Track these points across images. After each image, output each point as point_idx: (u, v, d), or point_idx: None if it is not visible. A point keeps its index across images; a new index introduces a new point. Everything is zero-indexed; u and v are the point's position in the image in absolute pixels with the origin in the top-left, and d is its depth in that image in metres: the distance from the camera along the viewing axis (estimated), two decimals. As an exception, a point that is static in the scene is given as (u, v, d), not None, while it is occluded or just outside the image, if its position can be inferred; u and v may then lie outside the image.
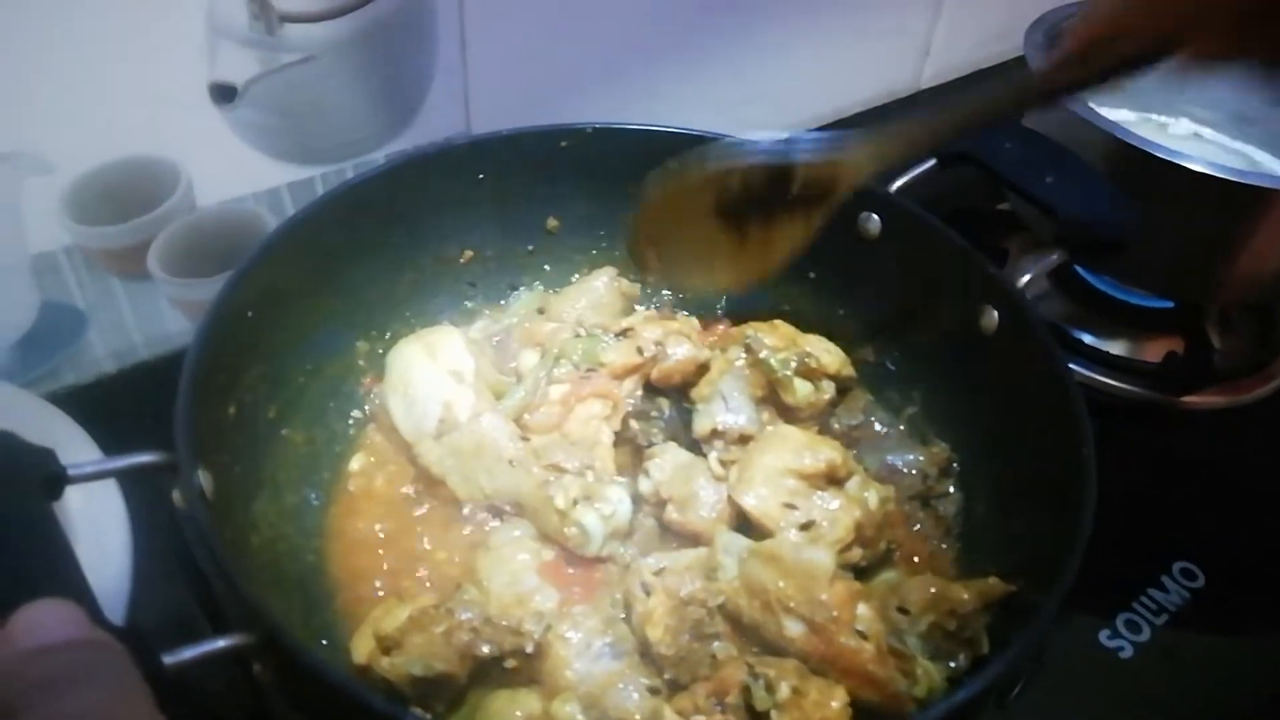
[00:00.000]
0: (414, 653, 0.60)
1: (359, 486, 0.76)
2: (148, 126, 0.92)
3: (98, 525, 0.72)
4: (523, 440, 0.72)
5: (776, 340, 0.78)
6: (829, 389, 0.78)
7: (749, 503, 0.69)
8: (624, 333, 0.78)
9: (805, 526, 0.67)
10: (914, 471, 0.75)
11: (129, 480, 0.73)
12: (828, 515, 0.68)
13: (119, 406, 0.87)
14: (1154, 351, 1.00)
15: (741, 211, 0.67)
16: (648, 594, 0.64)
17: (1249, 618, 0.84)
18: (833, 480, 0.71)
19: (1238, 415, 0.98)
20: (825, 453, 0.71)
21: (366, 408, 0.80)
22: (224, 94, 0.97)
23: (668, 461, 0.71)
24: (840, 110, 1.39)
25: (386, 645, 0.61)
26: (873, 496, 0.71)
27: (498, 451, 0.70)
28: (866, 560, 0.69)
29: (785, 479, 0.70)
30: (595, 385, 0.74)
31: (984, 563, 0.71)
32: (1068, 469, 0.63)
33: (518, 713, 0.60)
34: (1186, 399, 0.97)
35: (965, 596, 0.64)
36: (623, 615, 0.66)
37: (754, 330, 0.79)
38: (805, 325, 0.84)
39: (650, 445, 0.73)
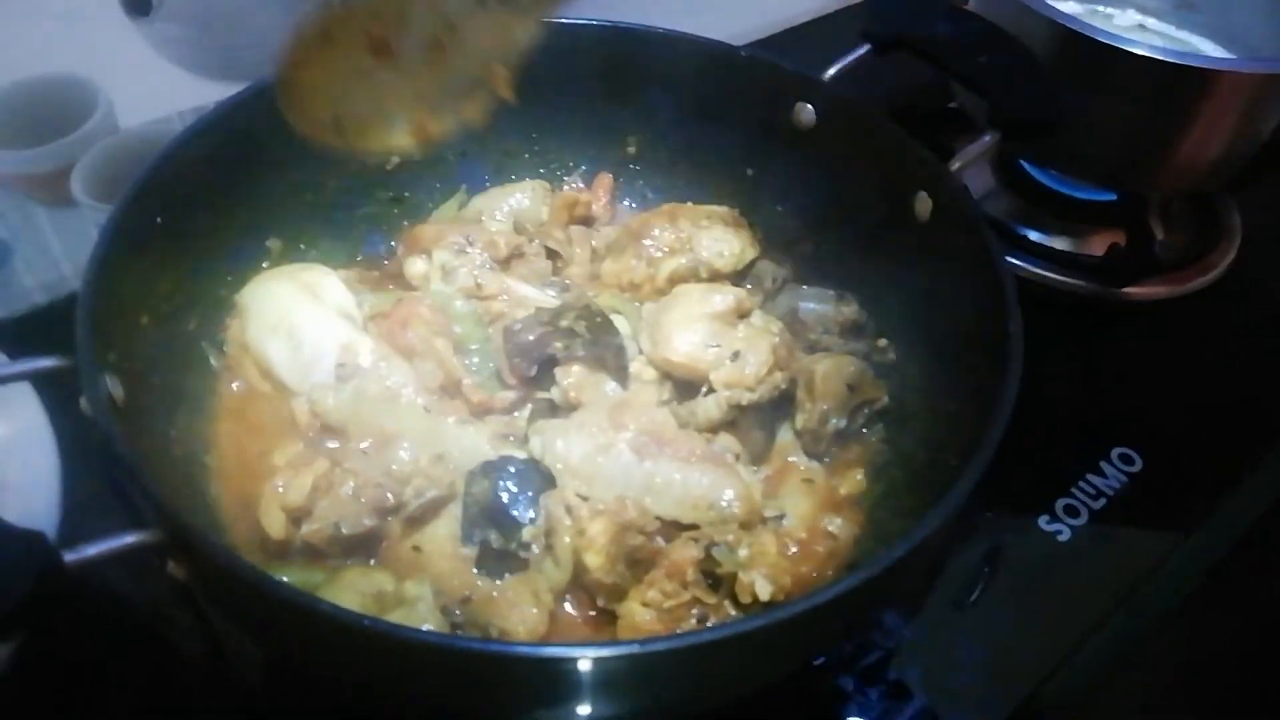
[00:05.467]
0: (330, 515, 0.61)
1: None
2: (59, 44, 0.88)
3: (22, 433, 0.70)
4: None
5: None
6: None
7: (674, 355, 0.72)
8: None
9: (735, 357, 0.70)
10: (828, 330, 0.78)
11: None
12: (749, 344, 0.71)
13: (51, 338, 0.85)
14: (1098, 245, 0.99)
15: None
16: (570, 515, 0.63)
17: (1182, 501, 0.84)
18: (741, 315, 0.74)
19: (1178, 305, 0.98)
20: (728, 290, 0.76)
21: (225, 349, 0.73)
22: (138, 6, 0.93)
23: (575, 370, 0.71)
24: (789, 20, 1.36)
25: (297, 516, 0.62)
26: (774, 324, 0.76)
27: (409, 398, 0.69)
28: (786, 382, 0.73)
29: (698, 324, 0.73)
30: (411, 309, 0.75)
31: (915, 444, 0.72)
32: (996, 346, 0.62)
33: (369, 589, 0.60)
34: (1129, 290, 0.96)
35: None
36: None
37: None
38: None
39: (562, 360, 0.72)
